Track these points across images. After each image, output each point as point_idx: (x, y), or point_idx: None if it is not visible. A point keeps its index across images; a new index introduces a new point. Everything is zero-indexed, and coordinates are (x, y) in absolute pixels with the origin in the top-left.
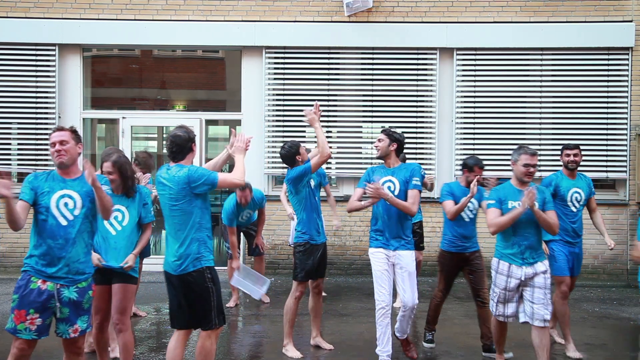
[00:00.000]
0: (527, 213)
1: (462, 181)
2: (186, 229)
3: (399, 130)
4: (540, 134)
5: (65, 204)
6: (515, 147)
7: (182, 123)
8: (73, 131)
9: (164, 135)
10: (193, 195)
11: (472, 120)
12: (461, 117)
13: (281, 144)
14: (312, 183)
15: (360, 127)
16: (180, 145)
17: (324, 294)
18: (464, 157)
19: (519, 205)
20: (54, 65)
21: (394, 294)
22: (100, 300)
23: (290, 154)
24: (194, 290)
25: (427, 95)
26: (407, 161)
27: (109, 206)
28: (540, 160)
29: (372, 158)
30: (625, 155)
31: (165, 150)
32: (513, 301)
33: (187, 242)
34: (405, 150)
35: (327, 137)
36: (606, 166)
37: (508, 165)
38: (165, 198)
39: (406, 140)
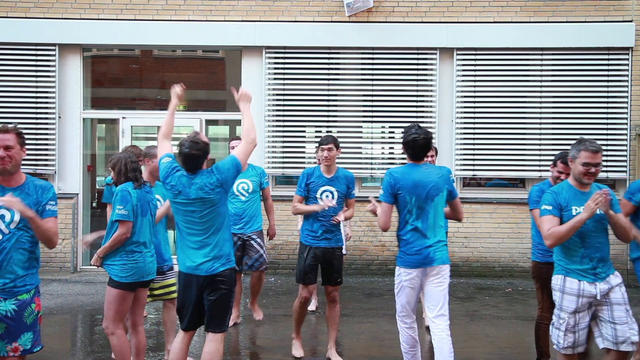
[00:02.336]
0: (596, 218)
1: (552, 180)
2: (220, 231)
3: (406, 128)
4: (540, 134)
5: (2, 217)
6: (515, 146)
7: (181, 122)
8: (18, 133)
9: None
10: (225, 195)
11: (472, 120)
12: (461, 117)
13: (281, 144)
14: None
15: (360, 127)
16: (198, 164)
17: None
18: (464, 157)
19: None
20: (54, 65)
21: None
22: None
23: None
24: (220, 290)
25: (427, 95)
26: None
27: (46, 236)
28: (540, 160)
29: (372, 158)
30: (625, 155)
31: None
32: (584, 326)
33: (221, 244)
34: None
35: None
36: (606, 166)
37: (508, 165)
38: (197, 207)
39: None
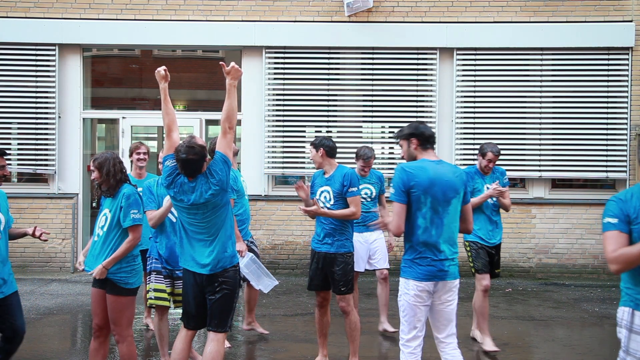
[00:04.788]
0: None
1: None
2: (222, 229)
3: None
4: (540, 134)
5: None
6: (515, 146)
7: (181, 122)
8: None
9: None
10: (226, 194)
11: (472, 120)
12: (461, 117)
13: (281, 144)
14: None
15: (360, 127)
16: (196, 168)
17: None
18: (464, 157)
19: None
20: (54, 65)
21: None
22: (94, 304)
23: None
24: (222, 289)
25: (427, 95)
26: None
27: None
28: (540, 160)
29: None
30: (625, 155)
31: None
32: None
33: (225, 242)
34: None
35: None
36: (606, 166)
37: (508, 165)
38: (200, 210)
39: None
